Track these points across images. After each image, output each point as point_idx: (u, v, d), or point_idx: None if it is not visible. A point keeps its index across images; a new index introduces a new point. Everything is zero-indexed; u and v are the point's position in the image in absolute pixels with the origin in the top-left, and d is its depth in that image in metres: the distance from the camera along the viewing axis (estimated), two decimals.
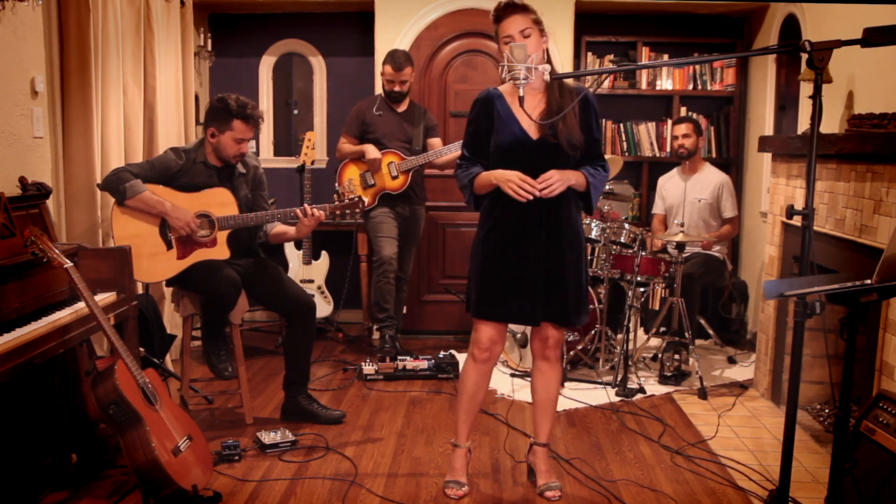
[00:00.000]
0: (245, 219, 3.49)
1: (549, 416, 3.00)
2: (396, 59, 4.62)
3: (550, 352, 2.94)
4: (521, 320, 2.89)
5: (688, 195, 4.90)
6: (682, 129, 4.89)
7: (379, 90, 4.98)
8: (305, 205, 3.45)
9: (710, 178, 4.88)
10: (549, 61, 2.72)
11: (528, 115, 2.67)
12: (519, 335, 4.44)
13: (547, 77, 2.68)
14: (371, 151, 4.60)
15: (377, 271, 4.65)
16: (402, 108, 4.74)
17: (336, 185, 4.75)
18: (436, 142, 4.75)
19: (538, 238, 2.77)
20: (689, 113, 5.45)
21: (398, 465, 3.23)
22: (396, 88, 4.64)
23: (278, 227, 3.65)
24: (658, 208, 5.13)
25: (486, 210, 2.85)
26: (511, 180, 2.67)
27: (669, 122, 5.50)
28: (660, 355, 4.45)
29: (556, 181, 2.67)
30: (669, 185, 5.03)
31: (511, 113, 2.77)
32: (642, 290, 4.63)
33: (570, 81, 2.82)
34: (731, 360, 4.82)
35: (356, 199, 3.48)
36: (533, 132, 2.76)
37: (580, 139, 2.76)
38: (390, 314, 4.72)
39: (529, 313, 2.82)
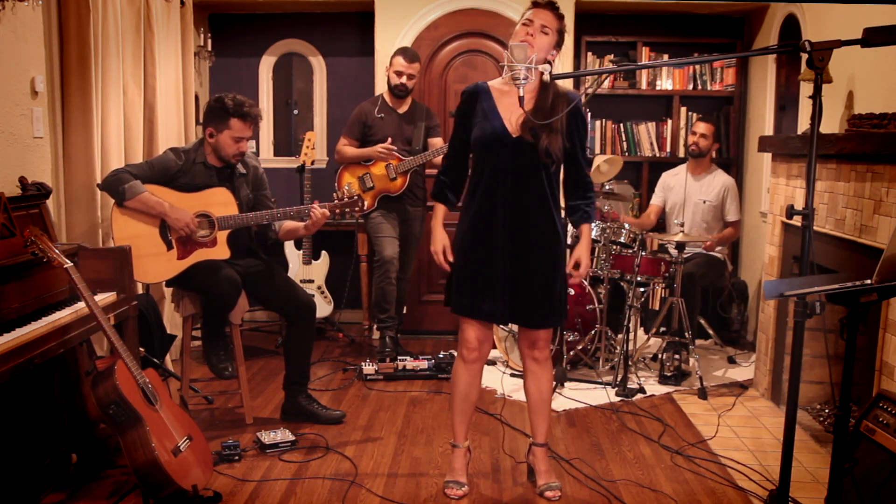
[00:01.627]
0: (245, 218, 3.49)
1: (545, 416, 2.99)
2: (408, 51, 4.64)
3: (539, 353, 2.93)
4: (490, 318, 2.87)
5: (692, 195, 4.90)
6: (703, 128, 4.88)
7: (380, 90, 4.97)
8: (315, 202, 3.45)
9: (716, 181, 4.88)
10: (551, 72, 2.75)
11: (525, 111, 2.67)
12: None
13: (546, 77, 2.69)
14: (377, 148, 4.57)
15: (378, 271, 4.64)
16: (404, 108, 4.73)
17: (337, 189, 4.73)
18: (437, 141, 4.74)
19: (502, 239, 2.78)
20: (691, 114, 5.45)
21: (398, 465, 3.23)
22: (403, 80, 4.61)
23: (288, 224, 3.64)
24: (657, 199, 5.12)
25: (465, 205, 2.87)
26: (436, 253, 2.89)
27: (670, 122, 5.50)
28: (660, 355, 4.45)
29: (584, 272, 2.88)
30: (674, 183, 5.03)
31: (494, 108, 2.78)
32: (642, 290, 4.63)
33: (563, 86, 2.82)
34: (731, 360, 4.82)
35: (356, 197, 3.48)
36: (513, 130, 2.76)
37: (560, 150, 2.74)
38: (391, 314, 4.72)
39: (497, 312, 2.82)
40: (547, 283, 2.82)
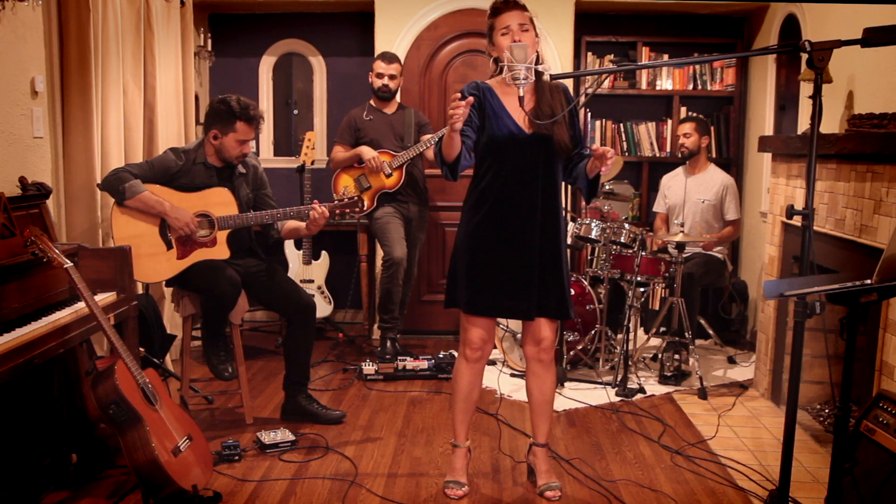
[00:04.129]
0: (245, 218, 3.49)
1: (547, 416, 2.99)
2: (386, 54, 4.74)
3: (545, 354, 2.93)
4: (515, 315, 2.89)
5: (691, 195, 4.90)
6: (685, 128, 4.89)
7: None
8: (315, 202, 3.46)
9: (715, 179, 4.88)
10: (540, 62, 2.75)
11: (526, 112, 2.68)
12: (519, 335, 4.44)
13: (547, 77, 2.71)
14: (367, 152, 4.61)
15: (387, 272, 4.63)
16: (391, 109, 4.77)
17: (333, 194, 4.75)
18: (429, 138, 4.75)
19: (535, 232, 2.78)
20: (690, 113, 5.44)
21: (398, 465, 3.23)
22: (385, 82, 4.67)
23: (290, 224, 3.64)
24: (660, 207, 5.13)
25: (472, 205, 2.84)
26: (452, 115, 2.52)
27: (669, 122, 5.50)
28: (660, 355, 4.45)
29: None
30: (673, 184, 5.03)
31: (503, 107, 2.78)
32: (642, 290, 4.63)
33: (548, 78, 2.84)
34: (731, 360, 4.82)
35: (356, 198, 3.48)
36: (526, 127, 2.77)
37: (569, 138, 2.80)
38: (394, 315, 4.72)
39: (524, 308, 2.82)
40: (566, 273, 2.88)
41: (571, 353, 4.42)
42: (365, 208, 3.53)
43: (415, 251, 4.85)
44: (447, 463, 3.12)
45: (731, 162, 5.49)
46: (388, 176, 4.65)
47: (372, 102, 4.79)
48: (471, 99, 2.56)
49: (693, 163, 4.94)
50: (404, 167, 4.66)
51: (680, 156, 4.94)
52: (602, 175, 2.75)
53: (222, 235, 3.48)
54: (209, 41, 5.43)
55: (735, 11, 5.37)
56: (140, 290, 3.84)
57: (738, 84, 5.45)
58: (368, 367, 4.34)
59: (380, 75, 4.68)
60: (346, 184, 4.71)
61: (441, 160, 2.70)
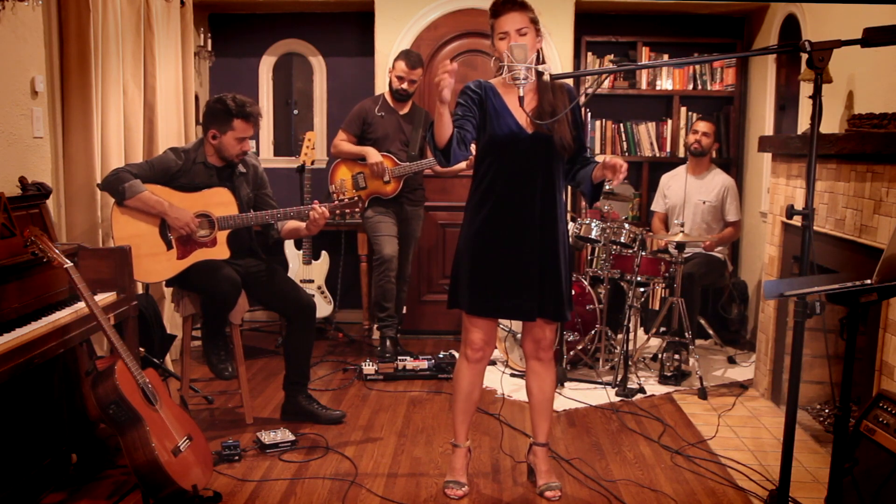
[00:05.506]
0: (245, 218, 3.49)
1: (547, 416, 3.00)
2: (411, 56, 4.62)
3: (544, 353, 2.93)
4: (517, 315, 2.88)
5: (692, 196, 4.90)
6: (704, 126, 4.88)
7: (380, 90, 4.98)
8: (315, 202, 3.46)
9: (716, 181, 4.88)
10: (542, 61, 2.74)
11: (526, 112, 2.68)
12: (520, 335, 4.44)
13: (547, 77, 2.70)
14: (373, 155, 4.58)
15: (378, 270, 4.64)
16: (405, 110, 4.73)
17: (329, 184, 4.74)
18: None
19: (534, 233, 2.78)
20: (691, 114, 5.45)
21: (398, 465, 3.24)
22: (405, 86, 4.61)
23: (290, 224, 3.64)
24: (658, 206, 5.12)
25: (474, 205, 2.83)
26: (438, 83, 2.47)
27: (670, 121, 5.50)
28: (660, 355, 4.45)
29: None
30: (673, 184, 5.03)
31: (505, 107, 2.78)
32: (642, 290, 4.63)
33: (548, 78, 2.83)
34: (731, 360, 4.82)
35: (356, 199, 3.49)
36: (528, 126, 2.76)
37: (571, 138, 2.78)
38: (391, 313, 4.72)
39: (526, 309, 2.81)
40: (568, 273, 2.88)
41: (571, 353, 4.42)
42: (363, 206, 3.53)
43: (408, 250, 4.85)
44: (447, 463, 3.12)
45: (731, 162, 5.49)
46: (387, 183, 4.64)
47: (386, 98, 4.73)
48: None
49: (697, 164, 4.94)
50: (403, 178, 4.65)
51: (689, 152, 4.93)
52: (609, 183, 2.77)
53: (222, 235, 3.48)
54: (209, 41, 5.43)
55: (735, 11, 5.37)
56: (140, 290, 3.84)
57: (738, 84, 5.45)
58: (368, 367, 4.34)
59: (400, 78, 4.60)
60: (343, 177, 4.69)
61: (433, 144, 2.67)
